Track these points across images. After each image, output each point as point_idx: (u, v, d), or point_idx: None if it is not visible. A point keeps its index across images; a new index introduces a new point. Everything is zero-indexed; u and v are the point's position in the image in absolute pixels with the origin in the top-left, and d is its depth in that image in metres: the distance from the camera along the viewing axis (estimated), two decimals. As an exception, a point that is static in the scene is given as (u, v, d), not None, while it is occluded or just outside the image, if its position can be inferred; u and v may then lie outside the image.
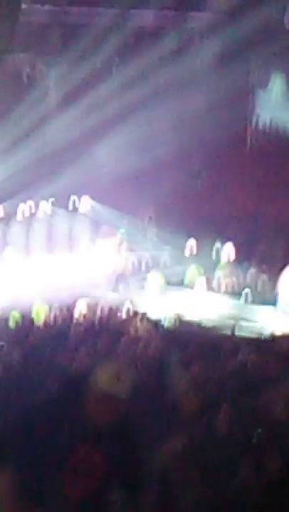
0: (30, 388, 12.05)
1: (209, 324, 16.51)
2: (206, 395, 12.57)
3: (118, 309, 16.76)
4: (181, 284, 19.11)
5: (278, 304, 17.78)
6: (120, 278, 19.32)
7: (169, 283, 19.14)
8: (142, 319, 16.21)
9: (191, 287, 18.70)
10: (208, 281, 18.75)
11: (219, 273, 18.78)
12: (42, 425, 7.16)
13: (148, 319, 16.25)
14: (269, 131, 23.90)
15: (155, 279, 19.15)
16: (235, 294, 18.06)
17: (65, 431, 7.17)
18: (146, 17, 22.63)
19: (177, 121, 22.58)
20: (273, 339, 15.34)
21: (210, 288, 18.56)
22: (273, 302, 17.94)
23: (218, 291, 18.54)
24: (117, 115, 23.11)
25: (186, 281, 19.10)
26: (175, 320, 16.70)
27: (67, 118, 22.91)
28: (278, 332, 16.10)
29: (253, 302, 18.08)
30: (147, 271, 19.82)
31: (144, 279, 19.41)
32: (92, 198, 22.81)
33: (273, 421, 11.72)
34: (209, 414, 11.77)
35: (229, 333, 16.17)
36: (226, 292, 18.73)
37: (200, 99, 22.63)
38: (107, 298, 17.75)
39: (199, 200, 23.59)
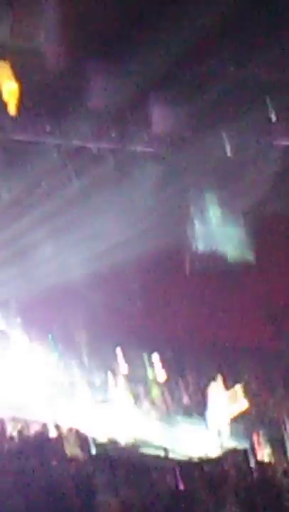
0: None
1: (140, 445, 16.60)
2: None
3: (48, 427, 16.75)
4: (111, 401, 19.21)
5: (208, 424, 17.95)
6: (50, 395, 19.35)
7: (99, 400, 19.23)
8: (72, 438, 16.26)
9: (122, 406, 18.82)
10: (140, 400, 18.90)
11: (151, 393, 18.95)
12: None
13: (79, 438, 16.31)
14: (205, 257, 24.60)
15: (86, 395, 19.23)
16: (168, 413, 18.20)
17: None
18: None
19: (118, 244, 23.13)
20: (203, 462, 15.48)
21: (141, 407, 18.69)
22: (204, 422, 18.11)
23: (150, 411, 18.64)
24: (56, 230, 23.55)
25: (116, 400, 19.19)
26: (106, 440, 16.80)
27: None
28: (209, 454, 16.29)
29: (185, 422, 18.19)
30: (79, 387, 19.87)
31: (76, 395, 19.45)
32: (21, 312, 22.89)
33: None
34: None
35: (161, 455, 16.30)
36: (157, 412, 18.83)
37: (140, 222, 23.25)
38: (37, 415, 17.74)
39: (134, 323, 24.00)
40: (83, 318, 22.72)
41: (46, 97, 20.12)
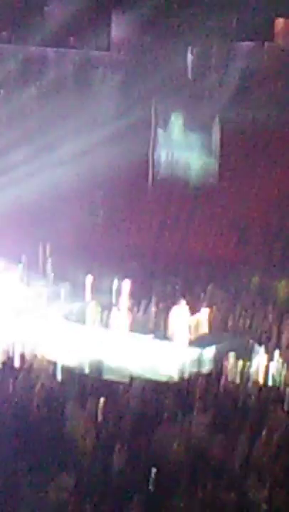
0: None
1: (107, 362, 16.59)
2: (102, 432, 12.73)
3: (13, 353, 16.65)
4: (79, 320, 19.14)
5: (175, 341, 18.00)
6: (18, 313, 19.22)
7: (67, 319, 19.15)
8: (40, 356, 16.22)
9: (90, 324, 18.76)
10: (107, 318, 18.86)
11: (118, 310, 18.90)
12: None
13: (46, 356, 16.26)
14: (169, 168, 24.36)
15: (53, 315, 19.14)
16: (134, 331, 18.17)
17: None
18: (51, 53, 22.70)
19: (78, 155, 22.77)
20: (170, 382, 15.54)
21: (108, 325, 18.67)
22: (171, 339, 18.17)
23: (117, 329, 18.64)
24: (16, 146, 23.12)
25: (84, 318, 19.13)
26: (73, 364, 16.70)
27: None
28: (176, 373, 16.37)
29: (151, 340, 18.23)
30: (45, 307, 19.76)
31: (43, 314, 19.36)
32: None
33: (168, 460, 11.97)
34: (104, 452, 11.94)
35: (126, 371, 16.28)
36: (124, 329, 18.82)
37: (101, 130, 22.89)
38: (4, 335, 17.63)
39: (98, 236, 23.84)
40: (48, 233, 22.48)
41: (3, 2, 19.53)
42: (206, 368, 16.37)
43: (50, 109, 22.79)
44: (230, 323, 18.83)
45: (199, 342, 17.62)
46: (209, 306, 19.52)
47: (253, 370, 16.04)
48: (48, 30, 20.94)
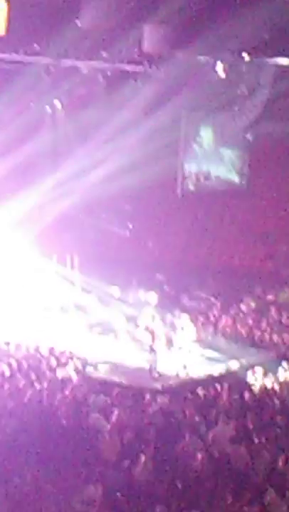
0: None
1: (133, 373, 16.75)
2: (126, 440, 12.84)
3: (41, 350, 16.87)
4: (106, 329, 19.32)
5: (202, 346, 18.05)
6: (46, 322, 19.46)
7: (93, 327, 19.34)
8: (65, 361, 16.42)
9: (116, 333, 18.93)
10: (132, 328, 18.99)
11: (143, 320, 19.02)
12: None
13: (72, 360, 16.46)
14: (198, 181, 24.45)
15: (81, 322, 19.35)
16: (160, 343, 18.30)
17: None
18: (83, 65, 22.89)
19: (107, 168, 22.94)
20: (195, 384, 15.65)
21: (134, 337, 18.80)
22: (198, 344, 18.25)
23: (142, 334, 18.76)
24: (49, 158, 23.33)
25: (110, 327, 19.30)
26: (99, 363, 16.93)
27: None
28: (202, 376, 16.48)
29: (177, 345, 18.32)
30: (74, 314, 19.96)
31: (71, 321, 19.56)
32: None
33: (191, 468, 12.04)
34: (128, 461, 12.03)
35: (154, 378, 16.44)
36: (150, 335, 18.92)
37: (131, 148, 23.05)
38: (33, 338, 17.86)
39: (126, 248, 24.02)
40: (79, 242, 22.70)
41: (36, 17, 19.71)
42: (233, 381, 16.41)
43: (80, 121, 23.00)
44: (256, 337, 18.89)
45: (226, 355, 17.69)
46: (236, 319, 19.62)
47: (278, 384, 16.07)
48: (80, 43, 21.15)
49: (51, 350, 16.99)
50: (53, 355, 16.74)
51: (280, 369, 16.48)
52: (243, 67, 20.50)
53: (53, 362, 16.32)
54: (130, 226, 24.45)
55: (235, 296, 20.86)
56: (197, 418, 13.65)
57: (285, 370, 16.48)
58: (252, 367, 16.50)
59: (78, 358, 16.78)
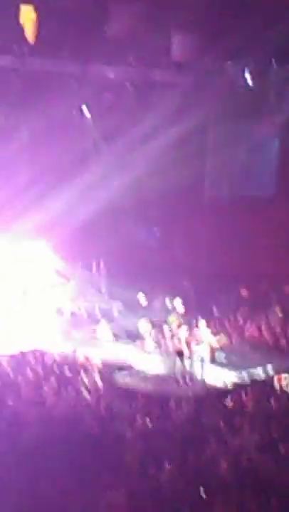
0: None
1: (158, 379, 16.78)
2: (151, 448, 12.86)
3: (67, 358, 16.96)
4: (132, 336, 19.36)
5: (227, 354, 18.04)
6: (71, 328, 19.54)
7: (118, 335, 19.42)
8: (91, 368, 16.48)
9: (141, 340, 18.98)
10: (159, 335, 19.03)
11: (168, 328, 19.05)
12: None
13: (97, 368, 16.52)
14: (225, 188, 24.45)
15: (105, 330, 19.43)
16: (185, 349, 18.30)
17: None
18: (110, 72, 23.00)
19: (134, 174, 23.01)
20: (221, 393, 15.66)
21: (158, 342, 18.83)
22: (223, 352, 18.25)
23: (168, 347, 18.80)
24: (76, 164, 23.44)
25: (136, 334, 19.35)
26: (125, 371, 16.99)
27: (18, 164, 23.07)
28: (227, 385, 16.49)
29: (203, 353, 18.32)
30: (98, 322, 20.06)
31: (95, 330, 19.66)
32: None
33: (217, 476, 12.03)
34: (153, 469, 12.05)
35: (179, 386, 16.46)
36: (175, 343, 18.95)
37: (158, 154, 23.09)
38: (59, 345, 17.95)
39: (152, 255, 24.07)
40: (105, 248, 22.78)
41: (64, 24, 19.85)
42: (259, 389, 16.38)
43: (108, 128, 23.08)
44: (283, 345, 18.84)
45: (252, 362, 17.67)
46: (263, 326, 19.57)
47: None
48: (109, 50, 21.26)
49: (77, 357, 17.06)
50: (79, 362, 16.81)
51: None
52: (272, 75, 20.52)
53: (79, 369, 16.39)
54: (157, 233, 24.48)
55: (262, 304, 20.80)
56: (223, 426, 13.68)
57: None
58: (278, 374, 16.45)
59: (104, 365, 16.84)
